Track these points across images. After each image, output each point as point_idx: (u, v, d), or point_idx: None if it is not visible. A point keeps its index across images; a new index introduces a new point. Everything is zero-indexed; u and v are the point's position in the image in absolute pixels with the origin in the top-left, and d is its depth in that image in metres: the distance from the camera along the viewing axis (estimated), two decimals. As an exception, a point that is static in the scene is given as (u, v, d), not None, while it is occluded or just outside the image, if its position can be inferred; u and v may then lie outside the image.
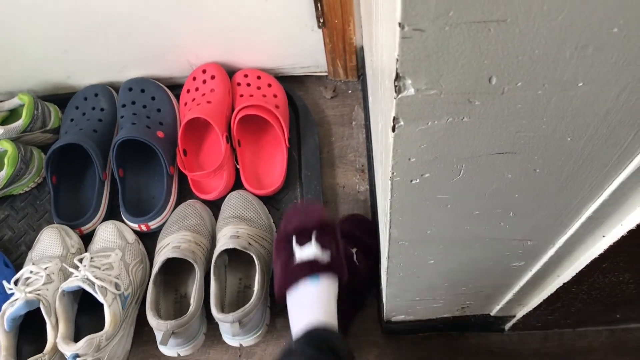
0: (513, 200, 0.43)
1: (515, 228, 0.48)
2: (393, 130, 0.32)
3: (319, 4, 0.93)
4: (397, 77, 0.28)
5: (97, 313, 0.93)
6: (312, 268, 0.86)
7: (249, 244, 0.93)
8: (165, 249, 0.93)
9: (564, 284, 0.57)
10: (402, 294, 0.70)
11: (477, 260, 0.58)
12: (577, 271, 0.52)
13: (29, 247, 1.06)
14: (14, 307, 0.88)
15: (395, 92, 0.29)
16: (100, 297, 0.88)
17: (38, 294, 0.90)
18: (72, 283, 0.88)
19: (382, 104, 0.47)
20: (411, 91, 0.29)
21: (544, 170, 0.38)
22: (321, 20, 0.97)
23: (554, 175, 0.39)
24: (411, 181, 0.39)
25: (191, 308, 0.88)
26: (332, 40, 1.02)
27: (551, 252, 0.54)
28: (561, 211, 0.44)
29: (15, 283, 0.96)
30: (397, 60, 0.27)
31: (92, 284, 0.89)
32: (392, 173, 0.37)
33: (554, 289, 0.59)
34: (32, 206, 1.10)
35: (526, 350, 0.95)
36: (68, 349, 0.85)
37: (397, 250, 0.53)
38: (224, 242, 0.93)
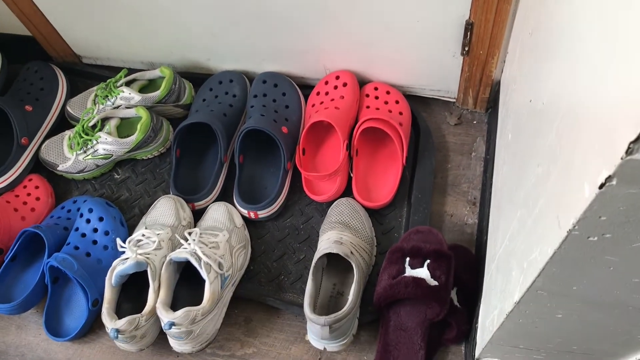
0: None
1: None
2: (600, 187, 0.32)
3: (469, 33, 0.93)
4: (637, 140, 0.27)
5: (193, 287, 0.97)
6: (416, 290, 0.87)
7: (351, 252, 0.94)
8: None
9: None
10: (510, 339, 0.69)
11: (607, 325, 0.56)
12: None
13: (142, 210, 1.12)
14: (125, 265, 0.93)
15: (626, 153, 0.28)
16: (203, 273, 0.91)
17: (147, 257, 0.95)
18: (181, 254, 0.92)
19: (561, 153, 0.46)
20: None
21: None
22: (466, 49, 0.97)
23: None
24: (588, 238, 0.38)
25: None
26: (470, 69, 1.01)
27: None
28: None
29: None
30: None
31: (199, 259, 0.92)
32: (574, 227, 0.37)
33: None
34: (151, 173, 1.16)
35: None
36: (167, 316, 0.89)
37: (533, 298, 0.52)
38: (327, 245, 0.95)
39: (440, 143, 1.12)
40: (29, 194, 1.11)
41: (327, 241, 0.97)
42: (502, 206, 0.82)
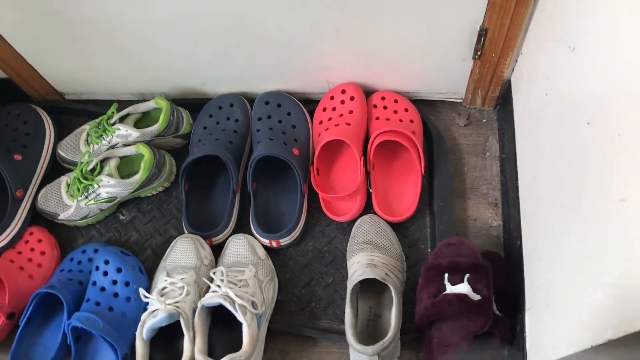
0: None
1: None
2: None
3: (482, 38, 0.91)
4: None
5: (226, 328, 0.94)
6: (460, 307, 0.86)
7: (386, 274, 0.92)
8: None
9: None
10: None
11: None
12: None
13: (155, 251, 1.08)
14: (156, 318, 0.89)
15: None
16: (240, 317, 0.88)
17: (177, 307, 0.91)
18: (214, 299, 0.89)
19: None
20: None
21: None
22: (478, 53, 0.94)
23: None
24: None
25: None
26: (481, 71, 1.00)
27: None
28: None
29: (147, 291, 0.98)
30: None
31: (233, 302, 0.89)
32: None
33: None
34: (158, 210, 1.11)
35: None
36: (209, 366, 0.85)
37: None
38: (361, 270, 0.92)
39: (453, 146, 1.10)
40: (32, 249, 1.05)
41: (359, 265, 0.94)
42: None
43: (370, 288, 0.97)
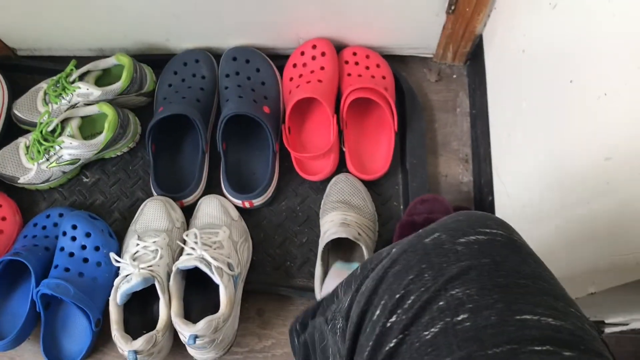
0: None
1: None
2: None
3: (457, -8, 0.89)
4: None
5: (200, 289, 0.93)
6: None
7: (359, 234, 0.92)
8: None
9: None
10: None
11: None
12: None
13: (122, 214, 1.05)
14: (130, 283, 0.87)
15: None
16: (216, 279, 0.87)
17: (151, 270, 0.89)
18: (189, 262, 0.87)
19: None
20: None
21: None
22: (452, 8, 0.93)
23: None
24: None
25: None
26: (454, 26, 0.98)
27: None
28: None
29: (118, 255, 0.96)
30: None
31: (209, 264, 0.87)
32: None
33: None
34: (124, 171, 1.08)
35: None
36: (187, 330, 0.84)
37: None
38: (334, 229, 0.92)
39: (424, 102, 1.10)
40: (-8, 215, 1.00)
41: (332, 223, 0.94)
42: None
43: (342, 246, 0.97)
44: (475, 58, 1.06)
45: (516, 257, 0.42)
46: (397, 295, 0.43)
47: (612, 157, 0.52)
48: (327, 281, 0.91)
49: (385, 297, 0.44)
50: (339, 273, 0.90)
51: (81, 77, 1.04)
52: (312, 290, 0.98)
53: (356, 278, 0.51)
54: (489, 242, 0.43)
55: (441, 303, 0.40)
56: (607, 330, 0.92)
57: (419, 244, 0.45)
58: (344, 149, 1.02)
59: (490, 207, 0.94)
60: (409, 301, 0.42)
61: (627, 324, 0.86)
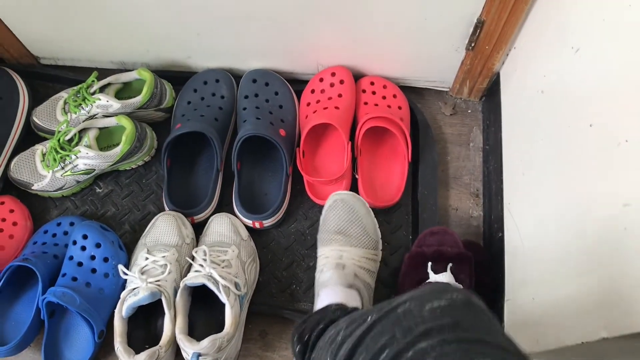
0: None
1: None
2: None
3: (478, 30, 0.91)
4: None
5: (207, 308, 0.93)
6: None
7: (355, 275, 0.90)
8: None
9: None
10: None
11: None
12: None
13: (133, 226, 1.05)
14: (137, 296, 0.87)
15: None
16: (223, 297, 0.87)
17: (159, 285, 0.89)
18: (197, 279, 0.87)
19: None
20: None
21: None
22: (472, 45, 0.95)
23: None
24: None
25: None
26: (472, 62, 1.00)
27: None
28: None
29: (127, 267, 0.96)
30: None
31: (216, 283, 0.88)
32: None
33: None
34: (137, 184, 1.08)
35: None
36: (191, 347, 0.84)
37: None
38: (329, 274, 0.88)
39: (438, 135, 1.11)
40: (3, 219, 1.01)
41: (327, 261, 0.90)
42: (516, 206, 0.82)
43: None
44: (491, 95, 1.08)
45: (472, 315, 0.50)
46: (373, 352, 0.50)
47: (630, 203, 0.53)
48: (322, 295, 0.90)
49: (364, 353, 0.51)
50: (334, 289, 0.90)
51: (102, 89, 1.05)
52: (316, 315, 0.98)
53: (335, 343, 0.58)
54: (450, 306, 0.50)
55: (409, 354, 0.47)
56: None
57: (392, 313, 0.53)
58: (357, 176, 1.03)
59: (500, 243, 0.95)
60: (383, 355, 0.49)
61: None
